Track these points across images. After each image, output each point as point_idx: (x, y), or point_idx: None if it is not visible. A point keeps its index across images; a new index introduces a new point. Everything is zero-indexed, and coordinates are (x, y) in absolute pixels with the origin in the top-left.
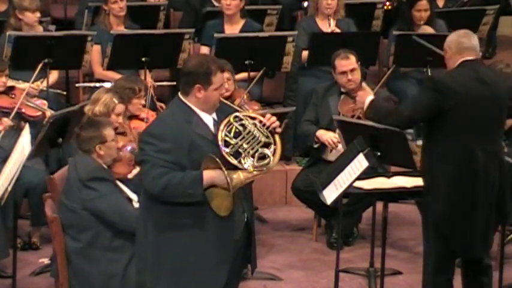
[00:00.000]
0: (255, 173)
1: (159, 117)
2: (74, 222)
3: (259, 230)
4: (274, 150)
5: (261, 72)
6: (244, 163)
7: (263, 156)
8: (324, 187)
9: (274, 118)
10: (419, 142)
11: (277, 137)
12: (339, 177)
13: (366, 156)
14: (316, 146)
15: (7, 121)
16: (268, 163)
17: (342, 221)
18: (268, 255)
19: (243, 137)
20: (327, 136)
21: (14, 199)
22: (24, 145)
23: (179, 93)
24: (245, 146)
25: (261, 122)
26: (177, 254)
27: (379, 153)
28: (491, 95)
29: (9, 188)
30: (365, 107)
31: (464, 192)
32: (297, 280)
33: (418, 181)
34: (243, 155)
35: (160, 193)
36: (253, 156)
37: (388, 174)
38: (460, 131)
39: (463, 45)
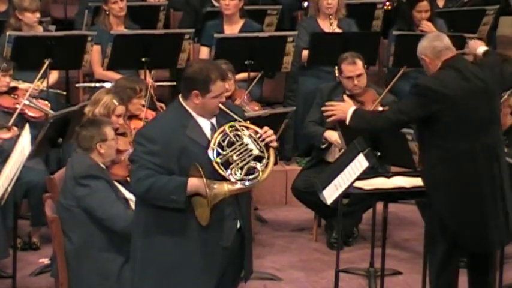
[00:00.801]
0: (239, 186)
1: (155, 119)
2: (70, 221)
3: (259, 230)
4: (266, 164)
5: (260, 74)
6: (232, 175)
7: (253, 170)
8: (324, 187)
9: (271, 132)
10: None
11: (271, 151)
12: (339, 177)
13: (366, 156)
14: (323, 146)
15: (16, 130)
16: (256, 178)
17: (342, 221)
18: (268, 255)
19: (235, 148)
20: (336, 137)
21: (14, 199)
22: (24, 145)
23: (180, 96)
24: (235, 157)
25: (257, 133)
26: (163, 257)
27: (379, 153)
28: (479, 89)
29: (9, 188)
30: (348, 118)
31: (469, 190)
32: (297, 280)
33: (418, 181)
34: (231, 166)
35: (143, 195)
36: (241, 169)
37: (388, 174)
38: (456, 131)
39: (437, 48)
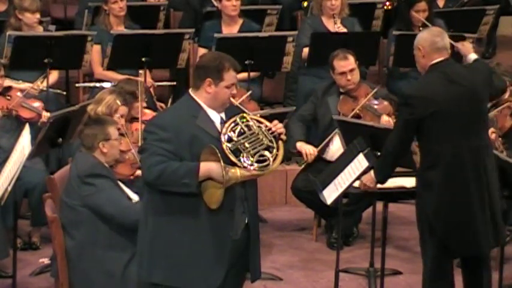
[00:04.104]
0: (253, 172)
1: (166, 109)
2: (74, 219)
3: (259, 230)
4: (276, 155)
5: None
6: (243, 161)
7: (263, 159)
8: (324, 187)
9: (280, 125)
10: None
11: (280, 144)
12: (339, 177)
13: (366, 156)
14: (293, 151)
15: None
16: (268, 165)
17: (342, 221)
18: (268, 255)
19: (246, 137)
20: (305, 147)
21: (14, 199)
22: (24, 145)
23: (190, 89)
24: (247, 145)
25: (266, 126)
26: (172, 247)
27: (379, 153)
28: (466, 91)
29: (9, 188)
30: (375, 177)
31: (457, 193)
32: (297, 280)
33: None
34: (243, 154)
35: (154, 181)
36: (253, 156)
37: None
38: (443, 136)
39: (436, 45)
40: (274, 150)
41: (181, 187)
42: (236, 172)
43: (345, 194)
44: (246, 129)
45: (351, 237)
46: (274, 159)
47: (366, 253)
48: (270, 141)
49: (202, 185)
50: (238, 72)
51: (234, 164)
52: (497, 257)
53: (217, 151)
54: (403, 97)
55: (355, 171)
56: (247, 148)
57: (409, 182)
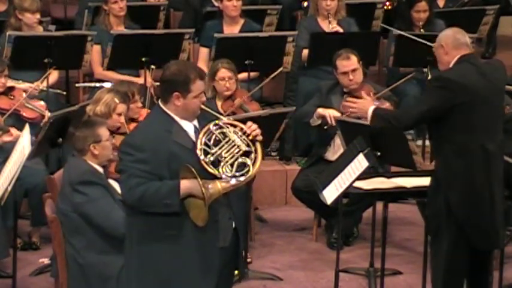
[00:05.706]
0: (233, 182)
1: (139, 127)
2: (67, 225)
3: (259, 230)
4: (255, 158)
5: (276, 72)
6: (223, 173)
7: (243, 165)
8: (324, 187)
9: (255, 126)
10: (419, 142)
11: (258, 145)
12: (339, 177)
13: (366, 156)
14: (314, 124)
15: (16, 132)
16: (248, 172)
17: (342, 221)
18: (268, 255)
19: (222, 146)
20: (327, 110)
21: (14, 199)
22: (24, 145)
23: (159, 101)
24: (224, 154)
25: (242, 129)
26: (160, 264)
27: (379, 153)
28: (493, 86)
29: (9, 188)
30: (369, 117)
31: (482, 185)
32: (297, 280)
33: (418, 181)
34: (221, 164)
35: (136, 203)
36: (232, 165)
37: (388, 174)
38: (472, 126)
39: (459, 41)
40: (253, 154)
41: (163, 207)
42: (217, 186)
43: (345, 194)
44: (221, 136)
45: (351, 237)
46: (253, 163)
47: (366, 253)
48: (247, 145)
49: (185, 202)
50: (203, 79)
51: (214, 177)
52: (497, 257)
53: (193, 170)
54: (441, 80)
55: (355, 171)
56: (225, 158)
57: (409, 182)
